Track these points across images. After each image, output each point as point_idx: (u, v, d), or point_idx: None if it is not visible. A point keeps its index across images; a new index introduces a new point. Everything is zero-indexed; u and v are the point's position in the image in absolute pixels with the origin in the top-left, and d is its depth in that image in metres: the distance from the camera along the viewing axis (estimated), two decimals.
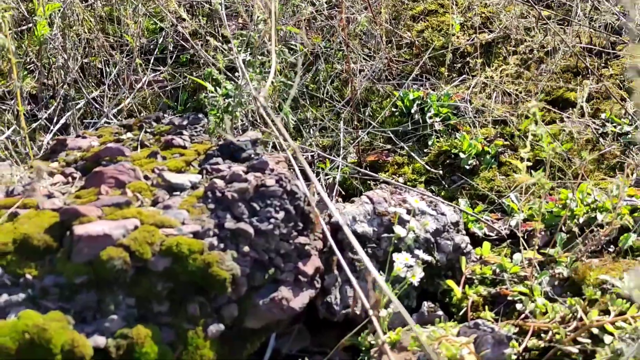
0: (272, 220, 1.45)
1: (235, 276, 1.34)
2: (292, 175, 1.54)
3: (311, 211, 1.52)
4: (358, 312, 1.58)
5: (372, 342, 1.73)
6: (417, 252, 1.72)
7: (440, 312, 1.85)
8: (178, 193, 1.50)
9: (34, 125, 2.48)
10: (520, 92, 2.78)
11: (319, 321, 1.97)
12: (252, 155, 1.66)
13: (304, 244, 1.50)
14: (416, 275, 1.67)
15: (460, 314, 1.85)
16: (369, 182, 2.51)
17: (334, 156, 2.59)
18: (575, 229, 2.01)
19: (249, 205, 1.46)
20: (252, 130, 2.20)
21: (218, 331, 1.37)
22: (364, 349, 1.74)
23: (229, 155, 1.67)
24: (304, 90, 2.96)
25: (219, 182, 1.48)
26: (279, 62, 2.56)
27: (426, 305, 1.86)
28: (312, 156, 2.62)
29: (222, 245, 1.38)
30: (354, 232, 1.89)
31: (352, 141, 2.64)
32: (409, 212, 1.95)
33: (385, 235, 1.93)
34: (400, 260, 1.64)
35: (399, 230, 1.76)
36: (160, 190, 1.49)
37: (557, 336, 1.59)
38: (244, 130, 2.22)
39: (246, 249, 1.40)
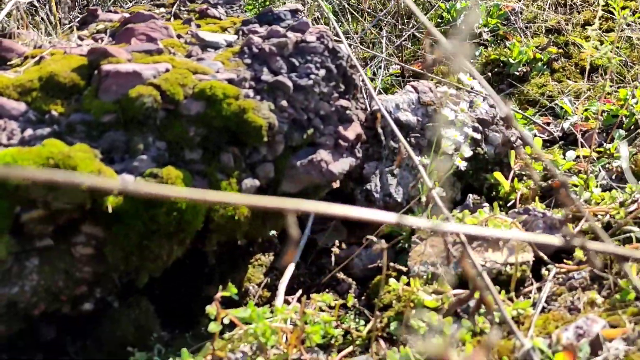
0: (312, 76, 1.35)
1: (271, 125, 1.26)
2: (333, 35, 1.43)
3: (354, 73, 1.41)
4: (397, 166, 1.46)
5: (413, 227, 1.64)
6: (466, 129, 1.61)
7: (485, 204, 1.74)
8: (212, 50, 1.42)
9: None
10: (575, 2, 2.61)
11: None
12: (291, 24, 1.56)
13: (345, 107, 1.40)
14: (464, 154, 1.56)
15: (508, 206, 1.74)
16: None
17: (373, 70, 2.48)
18: (629, 130, 1.87)
19: (288, 61, 1.36)
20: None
21: (253, 186, 1.29)
22: (404, 233, 1.64)
23: (266, 23, 1.58)
24: (345, 5, 2.83)
25: (256, 39, 1.39)
26: None
27: (471, 197, 1.76)
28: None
29: (258, 98, 1.29)
30: (397, 120, 1.78)
31: (393, 53, 2.52)
32: (455, 100, 1.83)
33: (431, 124, 1.82)
34: (449, 135, 1.53)
35: (447, 112, 1.65)
36: (194, 47, 1.40)
37: (617, 216, 1.47)
38: None
39: (284, 103, 1.31)
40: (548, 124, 2.11)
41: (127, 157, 1.18)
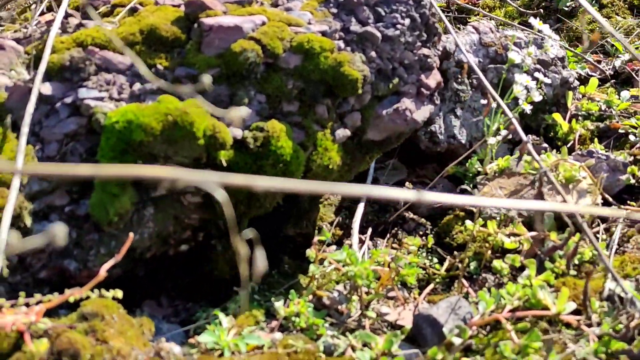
0: (399, 26, 1.37)
1: (366, 77, 1.29)
2: None
3: (435, 21, 1.43)
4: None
5: (479, 169, 1.70)
6: (537, 74, 1.64)
7: (545, 145, 1.80)
8: None
9: None
10: None
11: (415, 156, 1.94)
12: None
13: (427, 55, 1.43)
14: (534, 98, 1.60)
15: (568, 148, 1.79)
16: (458, 25, 2.39)
17: None
18: None
19: (374, 11, 1.38)
20: None
21: (344, 136, 1.34)
22: (470, 175, 1.71)
23: None
24: None
25: None
26: None
27: (530, 137, 1.81)
28: None
29: (348, 49, 1.32)
30: (459, 62, 1.81)
31: None
32: (520, 44, 1.85)
33: (491, 66, 1.85)
34: (522, 80, 1.57)
35: (513, 55, 1.68)
36: None
37: None
38: None
39: (373, 54, 1.34)
40: (599, 62, 2.14)
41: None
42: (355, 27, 1.35)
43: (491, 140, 1.68)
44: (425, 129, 1.78)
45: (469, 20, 2.41)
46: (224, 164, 1.17)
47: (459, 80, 1.82)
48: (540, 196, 1.33)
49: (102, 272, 0.95)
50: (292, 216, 1.61)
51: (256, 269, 0.56)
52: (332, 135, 1.32)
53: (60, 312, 1.09)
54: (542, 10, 2.37)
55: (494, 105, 1.66)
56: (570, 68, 2.09)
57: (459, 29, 2.33)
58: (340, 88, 1.28)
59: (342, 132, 1.33)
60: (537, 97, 1.59)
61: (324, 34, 1.30)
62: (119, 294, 1.03)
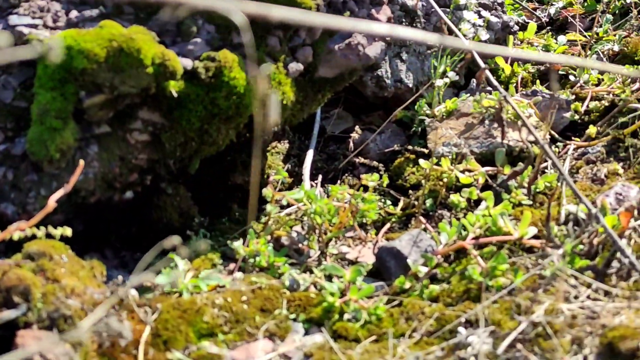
0: None
1: (319, 7, 1.24)
2: None
3: None
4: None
5: (428, 112, 1.69)
6: (483, 13, 1.64)
7: (489, 88, 1.81)
8: None
9: None
10: None
11: (360, 103, 1.92)
12: None
13: None
14: (481, 37, 1.60)
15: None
16: None
17: None
18: (614, 14, 1.96)
19: None
20: None
21: (297, 70, 1.28)
22: (419, 118, 1.69)
23: None
24: None
25: None
26: None
27: (474, 81, 1.81)
28: None
29: None
30: (404, 6, 1.78)
31: None
32: None
33: (433, 10, 1.83)
34: (470, 18, 1.56)
35: None
36: None
37: (623, 95, 1.58)
38: None
39: None
40: (535, 9, 2.17)
41: (180, 40, 1.15)
42: None
43: (438, 83, 1.67)
44: (372, 74, 1.75)
45: None
46: (175, 94, 1.09)
47: (404, 24, 1.79)
48: (501, 122, 1.33)
49: (51, 202, 0.87)
50: (240, 164, 1.55)
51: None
52: (285, 69, 1.26)
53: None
54: None
55: (444, 41, 1.65)
56: (509, 15, 2.11)
57: None
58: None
59: (295, 66, 1.27)
60: (484, 36, 1.59)
61: None
62: (68, 231, 0.94)
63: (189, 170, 1.25)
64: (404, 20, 1.79)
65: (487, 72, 1.22)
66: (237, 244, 1.18)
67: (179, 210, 1.35)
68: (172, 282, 1.07)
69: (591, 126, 1.51)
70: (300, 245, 1.26)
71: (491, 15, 1.87)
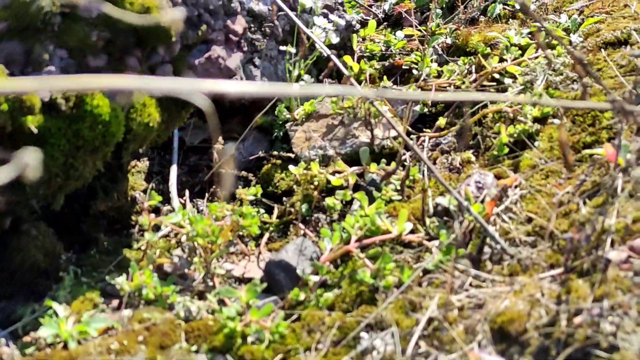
0: None
1: (177, 25, 1.20)
2: None
3: None
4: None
5: (288, 115, 1.71)
6: (332, 16, 1.68)
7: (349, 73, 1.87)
8: None
9: None
10: None
11: (217, 111, 1.88)
12: None
13: (229, 0, 1.38)
14: (332, 40, 1.65)
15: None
16: None
17: None
18: (442, 8, 2.11)
19: None
20: None
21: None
22: (279, 123, 1.71)
23: None
24: None
25: None
26: None
27: (328, 81, 1.87)
28: None
29: None
30: (250, 11, 1.78)
31: None
32: None
33: (282, 13, 1.85)
34: (319, 23, 1.60)
35: (304, 0, 1.70)
36: None
37: (464, 86, 1.71)
38: None
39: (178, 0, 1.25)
40: (371, 6, 2.27)
41: (30, 70, 1.05)
42: None
43: (295, 87, 1.69)
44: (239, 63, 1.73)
45: None
46: (34, 130, 1.00)
47: (252, 29, 1.79)
48: (369, 126, 1.38)
49: None
50: (101, 190, 1.46)
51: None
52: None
53: None
54: None
55: (293, 50, 1.67)
56: (348, 12, 2.19)
57: None
58: (153, 37, 1.18)
59: (164, 69, 1.22)
60: (335, 39, 1.64)
61: None
62: None
63: (54, 207, 1.16)
64: (252, 25, 1.79)
65: (352, 79, 1.26)
66: (121, 280, 1.12)
67: (44, 250, 1.24)
68: (55, 332, 0.99)
69: (440, 118, 1.62)
70: (184, 270, 1.22)
71: (334, 15, 1.93)
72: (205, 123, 1.90)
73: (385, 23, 2.23)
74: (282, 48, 1.72)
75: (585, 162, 1.21)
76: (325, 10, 1.87)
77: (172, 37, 1.19)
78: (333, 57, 1.30)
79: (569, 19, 1.84)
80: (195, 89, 0.45)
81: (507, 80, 1.66)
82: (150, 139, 1.27)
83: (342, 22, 1.93)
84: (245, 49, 1.44)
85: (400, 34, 2.05)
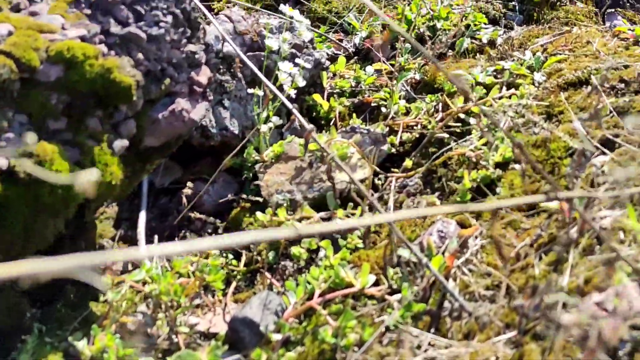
0: (162, 24, 1.30)
1: (139, 83, 1.21)
2: None
3: (198, 16, 1.39)
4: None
5: (257, 157, 1.72)
6: (298, 60, 1.70)
7: (311, 125, 1.88)
8: (39, 0, 1.27)
9: None
10: None
11: (187, 152, 1.89)
12: None
13: (194, 51, 1.39)
14: (298, 84, 1.66)
15: (330, 124, 1.90)
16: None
17: None
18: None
19: (132, 9, 1.29)
20: None
21: (123, 147, 1.24)
22: (249, 164, 1.72)
23: None
24: None
25: None
26: None
27: (297, 120, 1.88)
28: None
29: (112, 53, 1.22)
30: (218, 53, 1.79)
31: None
32: (272, 30, 1.90)
33: (250, 54, 1.86)
34: (285, 68, 1.61)
35: (270, 42, 1.71)
36: None
37: (429, 126, 1.73)
38: None
39: (140, 56, 1.26)
40: (341, 40, 2.29)
41: None
42: (115, 28, 1.25)
43: (263, 128, 1.70)
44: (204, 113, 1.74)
45: (213, 7, 2.39)
46: None
47: (222, 70, 1.80)
48: (331, 179, 1.40)
49: None
50: (67, 239, 1.46)
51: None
52: (110, 149, 1.21)
53: None
54: None
55: (260, 93, 1.68)
56: (318, 48, 2.21)
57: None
58: (113, 97, 1.18)
59: (120, 144, 1.23)
60: (301, 82, 1.66)
61: (83, 39, 1.18)
62: None
63: None
64: (221, 67, 1.80)
65: (313, 134, 1.28)
66: (82, 345, 1.12)
67: (7, 310, 1.24)
68: None
69: (407, 159, 1.64)
70: (148, 328, 1.22)
71: (304, 54, 1.95)
72: (176, 164, 1.90)
73: (356, 57, 2.25)
74: (250, 91, 1.73)
75: (544, 214, 1.23)
76: (293, 50, 1.88)
77: (132, 97, 1.19)
78: (294, 111, 1.31)
79: (533, 55, 1.87)
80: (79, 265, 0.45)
81: (472, 120, 1.69)
82: (113, 195, 1.27)
83: (310, 59, 1.95)
84: (211, 97, 1.45)
85: (370, 69, 2.07)
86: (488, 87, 1.78)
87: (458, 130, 1.69)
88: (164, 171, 1.87)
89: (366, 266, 1.22)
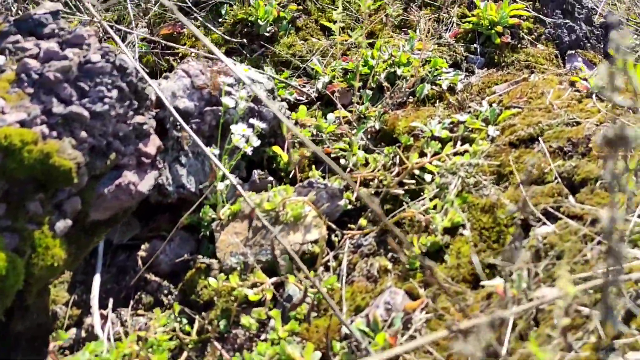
0: (106, 100, 1.30)
1: (80, 165, 1.21)
2: (117, 49, 1.38)
3: (145, 86, 1.39)
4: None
5: (214, 216, 1.72)
6: (252, 121, 1.70)
7: (270, 178, 1.89)
8: None
9: None
10: None
11: (145, 209, 1.89)
12: (57, 31, 1.44)
13: (142, 123, 1.39)
14: (253, 144, 1.67)
15: (290, 177, 1.91)
16: (167, 56, 2.37)
17: (120, 36, 2.37)
18: (373, 88, 2.15)
19: (76, 86, 1.29)
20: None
21: (66, 227, 1.24)
22: (205, 224, 1.72)
23: (28, 32, 1.43)
24: None
25: (33, 62, 1.28)
26: None
27: (257, 173, 1.88)
28: (101, 32, 2.37)
29: (54, 134, 1.22)
30: (176, 109, 1.79)
31: (141, 14, 2.43)
32: (230, 84, 1.90)
33: (208, 109, 1.86)
34: (238, 131, 1.62)
35: (227, 101, 1.72)
36: None
37: (385, 182, 1.74)
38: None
39: (83, 134, 1.26)
40: (304, 85, 2.30)
41: None
42: (58, 108, 1.24)
43: (220, 186, 1.70)
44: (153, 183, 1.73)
45: (177, 51, 2.40)
46: None
47: (178, 127, 1.80)
48: (275, 249, 1.40)
49: None
50: (18, 309, 1.45)
51: None
52: (52, 230, 1.21)
53: None
54: (245, 37, 2.45)
55: (216, 152, 1.68)
56: (279, 94, 2.21)
57: (171, 69, 2.31)
58: (54, 181, 1.18)
59: (63, 224, 1.23)
60: (256, 142, 1.66)
61: (22, 123, 1.17)
62: None
63: None
64: (177, 123, 1.80)
65: (258, 212, 1.28)
66: None
67: None
68: None
69: (362, 218, 1.65)
70: None
71: (263, 106, 1.95)
72: (135, 219, 1.90)
73: (318, 102, 2.25)
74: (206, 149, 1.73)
75: (485, 292, 1.24)
76: (252, 104, 1.88)
77: (73, 179, 1.19)
78: (239, 187, 1.31)
79: (490, 106, 1.89)
80: None
81: (427, 177, 1.70)
82: (57, 273, 1.27)
83: (269, 112, 1.95)
84: (161, 166, 1.45)
85: (331, 116, 2.08)
86: (443, 141, 1.79)
87: (413, 186, 1.70)
88: (123, 227, 1.86)
89: (310, 346, 1.23)
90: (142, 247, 1.76)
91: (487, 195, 1.49)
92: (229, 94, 1.83)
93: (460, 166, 1.61)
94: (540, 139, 1.58)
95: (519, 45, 2.37)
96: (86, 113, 1.26)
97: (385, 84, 2.10)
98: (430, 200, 1.57)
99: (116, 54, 1.36)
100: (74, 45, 1.36)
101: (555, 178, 1.41)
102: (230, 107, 1.74)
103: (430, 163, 1.72)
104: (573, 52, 2.37)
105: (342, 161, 1.91)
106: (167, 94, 1.79)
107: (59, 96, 1.26)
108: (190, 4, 2.51)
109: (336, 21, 1.95)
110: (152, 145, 1.42)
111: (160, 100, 1.76)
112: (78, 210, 1.28)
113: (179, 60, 2.37)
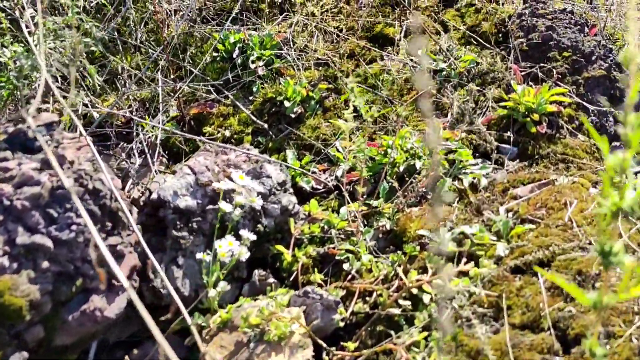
0: (74, 227, 1.30)
1: (33, 302, 1.20)
2: (94, 169, 1.37)
3: (120, 208, 1.38)
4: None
5: (203, 324, 1.68)
6: (242, 232, 1.65)
7: (271, 280, 1.83)
8: None
9: None
10: (341, 30, 2.73)
11: (146, 305, 1.87)
12: (49, 143, 1.46)
13: (114, 244, 1.37)
14: (242, 257, 1.62)
15: (292, 278, 1.84)
16: (191, 140, 2.38)
17: (152, 113, 2.41)
18: (395, 182, 2.05)
19: (45, 213, 1.29)
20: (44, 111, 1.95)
21: (21, 359, 1.23)
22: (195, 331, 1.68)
23: (20, 147, 1.46)
24: (115, 35, 2.68)
25: (6, 188, 1.29)
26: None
27: (257, 273, 1.83)
28: (131, 112, 2.42)
29: (15, 266, 1.22)
30: (177, 208, 1.78)
31: (172, 93, 2.46)
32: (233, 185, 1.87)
33: (211, 207, 1.84)
34: (224, 247, 1.58)
35: (224, 205, 1.68)
36: None
37: (381, 298, 1.64)
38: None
39: (45, 264, 1.25)
40: (325, 171, 2.24)
41: None
42: (22, 237, 1.25)
43: (212, 293, 1.66)
44: (147, 285, 1.72)
45: (204, 131, 2.40)
46: None
47: (178, 226, 1.78)
48: None
49: None
50: None
51: None
52: None
53: None
54: (272, 117, 2.42)
55: (208, 259, 1.64)
56: (297, 181, 2.16)
57: (195, 149, 2.31)
58: (5, 317, 1.18)
59: (18, 357, 1.22)
60: (245, 255, 1.61)
61: None
62: None
63: None
64: (178, 222, 1.78)
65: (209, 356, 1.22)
66: None
67: None
68: None
69: (350, 342, 1.56)
70: None
71: (269, 202, 1.91)
72: (136, 314, 1.89)
73: (336, 192, 2.18)
74: (198, 256, 1.69)
75: None
76: (254, 204, 1.84)
77: (25, 317, 1.18)
78: (194, 331, 1.26)
79: (506, 215, 1.76)
80: None
81: (426, 297, 1.59)
82: None
83: (276, 207, 1.91)
84: (137, 284, 1.42)
85: (343, 210, 2.00)
86: (448, 256, 1.67)
87: (409, 310, 1.59)
88: (123, 324, 1.86)
89: None
90: (134, 350, 1.74)
91: (477, 337, 1.36)
92: (230, 195, 1.79)
93: (457, 294, 1.49)
94: (550, 264, 1.44)
95: (557, 135, 2.21)
96: (50, 243, 1.25)
97: (394, 182, 2.01)
98: (420, 331, 1.46)
99: (92, 176, 1.36)
100: (59, 163, 1.37)
101: (549, 328, 1.27)
102: (227, 212, 1.71)
103: (430, 282, 1.61)
104: (617, 144, 2.18)
105: (346, 266, 1.82)
106: (169, 192, 1.78)
107: (26, 224, 1.27)
108: (218, 84, 2.52)
109: (347, 120, 1.88)
110: (126, 265, 1.40)
111: (161, 199, 1.76)
112: (41, 337, 1.27)
113: (205, 141, 2.38)
